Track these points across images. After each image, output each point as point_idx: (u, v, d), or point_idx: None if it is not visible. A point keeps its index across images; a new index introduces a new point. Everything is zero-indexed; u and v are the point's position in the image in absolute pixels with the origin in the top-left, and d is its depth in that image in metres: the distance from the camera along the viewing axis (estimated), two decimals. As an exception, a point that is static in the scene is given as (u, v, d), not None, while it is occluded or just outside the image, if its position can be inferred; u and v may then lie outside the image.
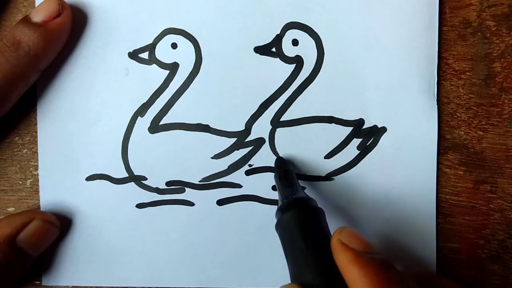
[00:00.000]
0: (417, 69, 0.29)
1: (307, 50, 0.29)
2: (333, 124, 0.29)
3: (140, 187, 0.29)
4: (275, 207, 0.29)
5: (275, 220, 0.29)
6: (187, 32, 0.29)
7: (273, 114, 0.29)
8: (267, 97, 0.29)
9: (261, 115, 0.29)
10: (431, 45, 0.29)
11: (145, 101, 0.29)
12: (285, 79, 0.29)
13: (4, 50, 0.26)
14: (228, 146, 0.29)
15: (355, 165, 0.29)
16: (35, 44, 0.26)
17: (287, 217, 0.25)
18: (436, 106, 0.29)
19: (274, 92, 0.29)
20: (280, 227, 0.25)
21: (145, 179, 0.29)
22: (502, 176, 0.29)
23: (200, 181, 0.29)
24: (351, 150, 0.29)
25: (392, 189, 0.29)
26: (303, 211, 0.25)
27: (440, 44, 0.29)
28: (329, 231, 0.25)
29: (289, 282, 0.23)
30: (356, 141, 0.29)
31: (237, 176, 0.29)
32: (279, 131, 0.29)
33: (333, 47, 0.29)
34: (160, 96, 0.29)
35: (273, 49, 0.29)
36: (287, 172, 0.28)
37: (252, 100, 0.29)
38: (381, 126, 0.29)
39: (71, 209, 0.29)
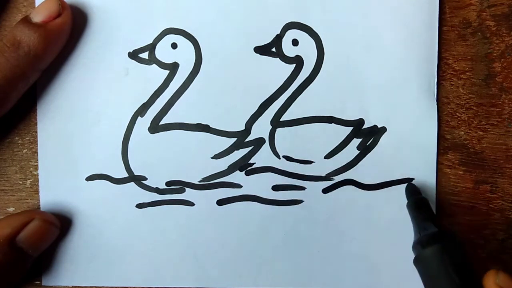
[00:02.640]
0: (417, 69, 0.29)
1: (307, 50, 0.29)
2: (333, 124, 0.29)
3: (140, 187, 0.29)
4: (275, 207, 0.29)
5: (275, 220, 0.29)
6: (187, 32, 0.29)
7: (273, 114, 0.29)
8: (267, 97, 0.29)
9: (261, 115, 0.29)
10: (431, 45, 0.29)
11: (145, 101, 0.29)
12: (285, 79, 0.29)
13: (4, 50, 0.26)
14: (228, 146, 0.29)
15: (355, 165, 0.29)
16: (35, 44, 0.26)
17: (434, 250, 0.24)
18: (436, 106, 0.29)
19: (274, 92, 0.29)
20: (425, 261, 0.24)
21: (145, 179, 0.29)
22: (502, 176, 0.29)
23: (200, 181, 0.29)
24: (351, 150, 0.29)
25: (392, 189, 0.29)
26: (451, 244, 0.24)
27: (440, 44, 0.29)
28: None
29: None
30: (356, 141, 0.29)
31: (237, 176, 0.29)
32: (279, 131, 0.29)
33: (333, 47, 0.29)
34: (160, 96, 0.29)
35: (273, 49, 0.29)
36: (423, 201, 0.27)
37: (252, 100, 0.29)
38: (381, 126, 0.29)
39: (71, 209, 0.29)
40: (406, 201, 0.28)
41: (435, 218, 0.26)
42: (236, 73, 0.29)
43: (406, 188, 0.29)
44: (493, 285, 0.23)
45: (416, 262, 0.25)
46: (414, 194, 0.28)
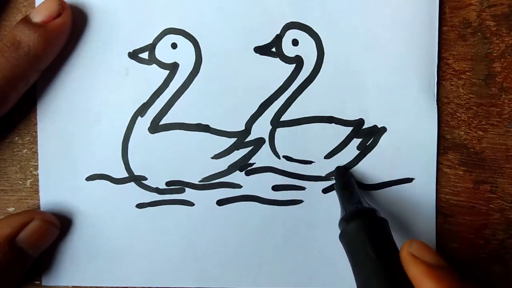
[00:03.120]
0: (417, 69, 0.29)
1: (307, 50, 0.29)
2: (333, 124, 0.29)
3: (140, 187, 0.29)
4: (275, 207, 0.29)
5: (275, 220, 0.29)
6: (187, 32, 0.29)
7: (273, 114, 0.29)
8: (267, 97, 0.29)
9: (261, 115, 0.29)
10: (431, 45, 0.29)
11: (145, 101, 0.29)
12: (285, 79, 0.29)
13: (4, 50, 0.26)
14: (228, 146, 0.29)
15: (355, 165, 0.29)
16: (35, 45, 0.26)
17: (354, 226, 0.25)
18: (436, 106, 0.29)
19: (274, 92, 0.29)
20: (346, 237, 0.25)
21: (145, 179, 0.29)
22: (502, 176, 0.29)
23: (200, 181, 0.29)
24: (351, 150, 0.29)
25: (392, 189, 0.29)
26: (370, 220, 0.25)
27: (440, 44, 0.29)
28: (394, 241, 0.25)
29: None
30: (356, 141, 0.29)
31: (237, 176, 0.29)
32: (279, 131, 0.29)
33: (333, 47, 0.29)
34: (160, 96, 0.29)
35: (273, 49, 0.29)
36: (349, 182, 0.28)
37: (252, 100, 0.29)
38: (381, 126, 0.29)
39: (71, 209, 0.29)
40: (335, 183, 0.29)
41: (358, 197, 0.27)
42: (236, 73, 0.29)
43: (336, 171, 0.29)
44: (407, 255, 0.23)
45: (341, 237, 0.26)
46: (342, 176, 0.29)
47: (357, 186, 0.28)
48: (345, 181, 0.28)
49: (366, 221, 0.25)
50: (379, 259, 0.23)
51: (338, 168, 0.29)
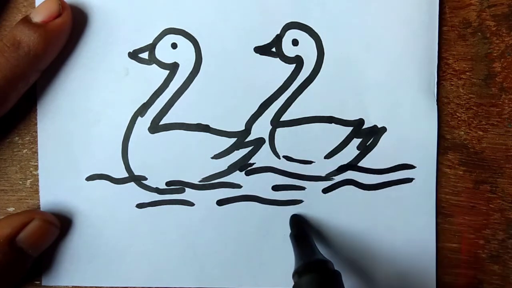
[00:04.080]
0: (417, 69, 0.29)
1: (307, 50, 0.29)
2: (333, 124, 0.29)
3: (140, 187, 0.29)
4: (275, 207, 0.29)
5: (275, 220, 0.29)
6: (187, 32, 0.29)
7: (273, 114, 0.29)
8: (267, 97, 0.29)
9: (261, 115, 0.29)
10: (431, 45, 0.29)
11: (145, 101, 0.29)
12: (285, 79, 0.29)
13: (4, 50, 0.26)
14: (228, 146, 0.29)
15: (355, 165, 0.29)
16: (35, 45, 0.26)
17: (306, 280, 0.24)
18: (436, 106, 0.29)
19: (274, 92, 0.29)
20: None
21: (145, 179, 0.29)
22: (502, 176, 0.29)
23: (200, 181, 0.29)
24: (351, 150, 0.29)
25: (392, 189, 0.29)
26: (323, 275, 0.24)
27: (440, 44, 0.29)
28: None
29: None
30: (356, 141, 0.29)
31: (237, 176, 0.29)
32: (279, 131, 0.29)
33: (333, 47, 0.29)
34: (160, 96, 0.29)
35: (273, 49, 0.29)
36: (303, 231, 0.27)
37: (252, 100, 0.29)
38: (381, 126, 0.29)
39: (71, 209, 0.29)
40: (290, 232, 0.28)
41: (314, 249, 0.26)
42: (236, 73, 0.29)
43: (290, 219, 0.29)
44: None
45: None
46: (296, 224, 0.28)
47: (312, 236, 0.27)
48: (299, 231, 0.28)
49: (321, 275, 0.24)
50: None
51: (293, 216, 0.29)
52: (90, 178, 0.29)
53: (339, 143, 0.29)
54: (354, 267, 0.29)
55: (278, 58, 0.29)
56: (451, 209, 0.29)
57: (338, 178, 0.29)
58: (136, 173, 0.29)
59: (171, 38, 0.29)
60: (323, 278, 0.24)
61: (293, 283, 0.25)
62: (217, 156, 0.29)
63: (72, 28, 0.28)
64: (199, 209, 0.29)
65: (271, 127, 0.29)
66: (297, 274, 0.25)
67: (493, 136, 0.29)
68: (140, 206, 0.29)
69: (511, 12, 0.29)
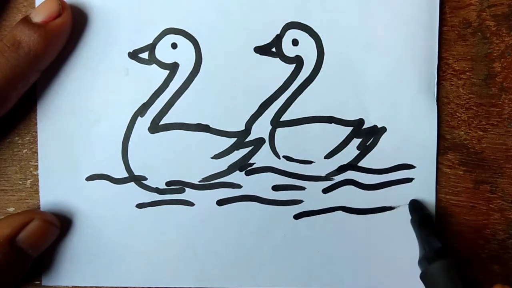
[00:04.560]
0: (417, 69, 0.29)
1: (307, 50, 0.29)
2: (333, 124, 0.29)
3: (140, 187, 0.29)
4: (275, 207, 0.29)
5: (275, 220, 0.29)
6: (187, 32, 0.29)
7: (273, 114, 0.29)
8: (267, 97, 0.29)
9: (261, 115, 0.29)
10: (431, 45, 0.29)
11: (145, 101, 0.29)
12: (285, 79, 0.29)
13: (4, 50, 0.26)
14: (228, 146, 0.29)
15: (355, 165, 0.29)
16: (35, 45, 0.26)
17: (440, 266, 0.25)
18: (436, 106, 0.29)
19: (274, 92, 0.29)
20: (432, 277, 0.25)
21: (145, 179, 0.29)
22: (502, 176, 0.29)
23: (200, 181, 0.29)
24: (351, 150, 0.29)
25: (392, 189, 0.29)
26: (456, 261, 0.25)
27: (440, 44, 0.29)
28: None
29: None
30: (356, 141, 0.29)
31: (237, 176, 0.29)
32: (279, 131, 0.29)
33: (333, 47, 0.29)
34: (160, 96, 0.29)
35: (273, 49, 0.29)
36: (427, 217, 0.28)
37: (252, 100, 0.29)
38: (381, 126, 0.29)
39: (71, 209, 0.29)
40: (410, 217, 0.29)
41: (439, 234, 0.27)
42: (236, 73, 0.29)
43: (410, 204, 0.29)
44: None
45: (423, 277, 0.26)
46: (418, 210, 0.28)
47: (434, 222, 0.28)
48: (423, 216, 0.28)
49: (453, 260, 0.25)
50: None
51: (413, 201, 0.29)
52: (90, 178, 0.29)
53: (339, 143, 0.29)
54: (354, 265, 0.29)
55: (278, 58, 0.29)
56: (451, 209, 0.29)
57: (338, 178, 0.29)
58: (136, 173, 0.29)
59: (171, 38, 0.29)
60: (453, 265, 0.25)
61: (420, 270, 0.26)
62: (217, 156, 0.29)
63: (72, 28, 0.28)
64: (199, 209, 0.29)
65: (271, 127, 0.29)
66: (426, 260, 0.25)
67: (493, 136, 0.29)
68: (140, 206, 0.29)
69: (511, 12, 0.29)
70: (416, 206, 0.28)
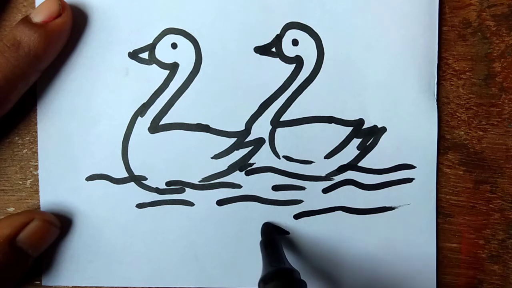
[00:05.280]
0: (417, 69, 0.29)
1: (307, 50, 0.29)
2: (333, 124, 0.29)
3: (140, 187, 0.29)
4: (275, 207, 0.29)
5: (275, 220, 0.29)
6: (187, 32, 0.29)
7: (273, 114, 0.29)
8: (267, 97, 0.29)
9: (261, 115, 0.29)
10: (431, 45, 0.29)
11: (145, 101, 0.29)
12: (285, 79, 0.29)
13: (4, 51, 0.26)
14: (228, 146, 0.29)
15: (355, 165, 0.29)
16: (35, 45, 0.26)
17: (274, 287, 0.24)
18: (436, 106, 0.29)
19: (274, 92, 0.29)
20: None
21: (145, 179, 0.29)
22: (502, 176, 0.29)
23: (200, 181, 0.29)
24: (351, 150, 0.29)
25: (392, 189, 0.29)
26: (287, 283, 0.24)
27: (440, 44, 0.29)
28: None
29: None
30: (356, 141, 0.29)
31: (237, 176, 0.29)
32: (279, 131, 0.29)
33: (333, 47, 0.29)
34: (160, 96, 0.29)
35: (273, 49, 0.29)
36: (273, 240, 0.28)
37: (252, 100, 0.29)
38: (381, 126, 0.29)
39: (71, 209, 0.29)
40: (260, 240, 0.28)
41: (283, 258, 0.26)
42: (236, 73, 0.29)
43: (262, 227, 0.29)
44: None
45: None
46: (267, 233, 0.28)
47: (281, 245, 0.27)
48: (269, 239, 0.28)
49: (285, 283, 0.24)
50: None
51: (264, 224, 0.29)
52: (90, 178, 0.29)
53: (339, 143, 0.29)
54: (354, 265, 0.29)
55: (278, 58, 0.29)
56: (451, 209, 0.29)
57: (338, 178, 0.29)
58: (136, 173, 0.29)
59: (171, 38, 0.29)
60: (287, 286, 0.24)
61: None
62: (217, 156, 0.29)
63: (72, 28, 0.28)
64: (199, 209, 0.29)
65: (271, 127, 0.29)
66: (262, 282, 0.25)
67: (493, 136, 0.29)
68: (140, 206, 0.29)
69: (511, 12, 0.29)
70: (265, 229, 0.29)
